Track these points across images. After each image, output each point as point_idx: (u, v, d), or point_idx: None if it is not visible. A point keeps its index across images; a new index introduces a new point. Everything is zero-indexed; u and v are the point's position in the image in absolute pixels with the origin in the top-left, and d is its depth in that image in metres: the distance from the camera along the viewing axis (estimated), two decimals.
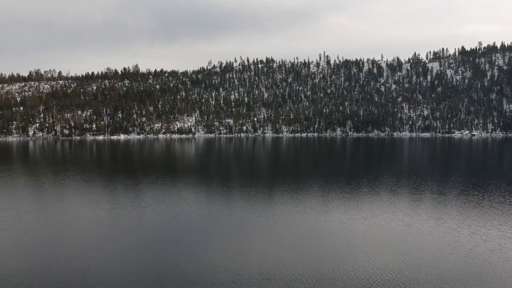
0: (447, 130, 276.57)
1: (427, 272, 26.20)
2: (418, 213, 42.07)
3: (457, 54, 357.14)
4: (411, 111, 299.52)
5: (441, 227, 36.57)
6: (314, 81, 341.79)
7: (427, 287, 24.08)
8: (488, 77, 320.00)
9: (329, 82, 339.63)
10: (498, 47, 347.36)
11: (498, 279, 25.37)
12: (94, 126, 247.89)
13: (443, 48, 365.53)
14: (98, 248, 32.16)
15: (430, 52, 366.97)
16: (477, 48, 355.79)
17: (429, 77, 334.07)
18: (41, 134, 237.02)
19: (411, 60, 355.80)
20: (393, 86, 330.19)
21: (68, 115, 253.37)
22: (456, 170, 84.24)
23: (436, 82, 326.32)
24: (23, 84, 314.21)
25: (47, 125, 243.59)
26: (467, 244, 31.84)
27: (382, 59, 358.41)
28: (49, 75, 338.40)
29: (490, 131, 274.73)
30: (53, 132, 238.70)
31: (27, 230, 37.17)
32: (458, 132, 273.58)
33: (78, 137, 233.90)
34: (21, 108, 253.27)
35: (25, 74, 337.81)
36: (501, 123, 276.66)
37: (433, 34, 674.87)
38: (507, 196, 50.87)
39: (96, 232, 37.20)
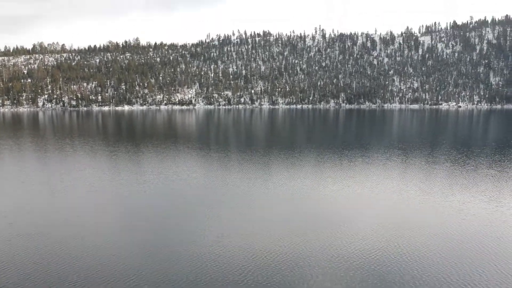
0: (435, 102, 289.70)
1: (422, 236, 26.60)
2: (410, 180, 43.25)
3: (448, 28, 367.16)
4: (401, 84, 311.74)
5: (431, 193, 37.46)
6: (310, 55, 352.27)
7: (422, 252, 24.02)
8: (477, 51, 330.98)
9: (324, 56, 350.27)
10: (489, 21, 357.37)
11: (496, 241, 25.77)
12: (99, 97, 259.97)
13: (435, 22, 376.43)
14: (93, 215, 31.91)
15: (422, 26, 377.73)
16: (469, 22, 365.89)
17: (420, 51, 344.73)
18: (50, 105, 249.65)
19: (403, 34, 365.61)
20: (386, 60, 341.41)
21: (74, 87, 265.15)
22: (442, 138, 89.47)
23: (427, 56, 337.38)
24: (28, 56, 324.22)
25: (55, 96, 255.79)
26: (460, 208, 32.65)
27: (375, 33, 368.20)
28: (53, 48, 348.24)
29: (476, 103, 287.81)
30: (61, 103, 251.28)
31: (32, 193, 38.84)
32: (445, 104, 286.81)
33: (85, 108, 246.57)
34: (29, 80, 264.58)
35: (28, 46, 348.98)
36: (487, 96, 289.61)
37: (428, 5, 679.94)
38: (494, 162, 53.77)
39: (93, 198, 37.13)
